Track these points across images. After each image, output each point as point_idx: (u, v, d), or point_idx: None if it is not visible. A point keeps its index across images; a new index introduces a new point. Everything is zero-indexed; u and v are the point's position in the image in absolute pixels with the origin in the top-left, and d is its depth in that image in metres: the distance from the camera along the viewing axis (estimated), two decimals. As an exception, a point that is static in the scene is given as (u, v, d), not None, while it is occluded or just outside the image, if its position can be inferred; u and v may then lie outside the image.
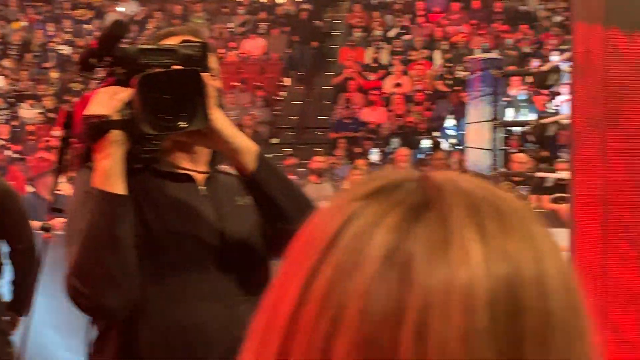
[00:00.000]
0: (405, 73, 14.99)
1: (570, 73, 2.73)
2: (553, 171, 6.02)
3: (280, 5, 17.58)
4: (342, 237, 0.54)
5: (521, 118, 11.49)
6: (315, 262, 0.54)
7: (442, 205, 0.54)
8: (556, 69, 5.95)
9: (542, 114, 10.93)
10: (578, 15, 2.68)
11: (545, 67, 6.20)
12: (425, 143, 13.07)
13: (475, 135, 6.72)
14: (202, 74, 1.72)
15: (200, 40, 1.89)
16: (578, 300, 0.55)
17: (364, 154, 12.34)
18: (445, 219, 0.53)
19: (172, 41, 1.92)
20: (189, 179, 1.89)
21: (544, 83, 6.16)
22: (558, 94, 11.14)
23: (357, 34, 16.41)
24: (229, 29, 17.17)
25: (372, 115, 13.92)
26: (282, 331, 0.53)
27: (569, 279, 0.55)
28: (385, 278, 0.51)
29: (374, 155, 12.57)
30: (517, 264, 0.52)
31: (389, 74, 15.03)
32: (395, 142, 12.87)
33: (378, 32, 16.45)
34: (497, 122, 6.42)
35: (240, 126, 13.22)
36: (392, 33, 16.38)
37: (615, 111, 2.53)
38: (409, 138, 13.17)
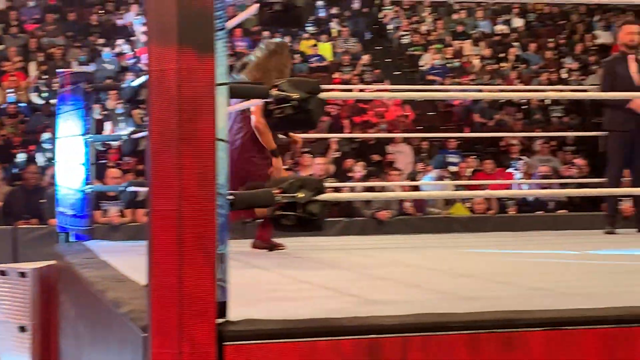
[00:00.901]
0: (-2, 84, 14.40)
1: (147, 90, 2.78)
2: (144, 185, 6.08)
3: None
4: None
5: (119, 132, 11.53)
6: None
7: None
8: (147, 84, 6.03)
9: (139, 128, 11.03)
10: (153, 36, 2.73)
11: (136, 82, 6.25)
12: (21, 157, 12.63)
13: (69, 149, 6.60)
14: None
15: None
16: None
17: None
18: None
19: None
20: None
21: (134, 97, 6.20)
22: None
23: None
24: None
25: (-40, 128, 13.18)
26: None
27: None
28: None
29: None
30: None
31: (-21, 84, 14.35)
32: (-12, 156, 12.30)
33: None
34: (89, 136, 6.36)
35: None
36: (-18, 42, 15.66)
37: (189, 128, 2.61)
38: (3, 152, 12.67)
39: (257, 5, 3.17)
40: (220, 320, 2.54)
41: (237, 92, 3.13)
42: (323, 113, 3.19)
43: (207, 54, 2.65)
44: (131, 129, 11.25)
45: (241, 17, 3.77)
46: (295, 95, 3.06)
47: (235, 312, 2.62)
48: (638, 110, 6.66)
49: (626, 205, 7.49)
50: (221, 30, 2.71)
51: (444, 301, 3.18)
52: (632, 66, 6.78)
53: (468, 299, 3.23)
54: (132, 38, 16.58)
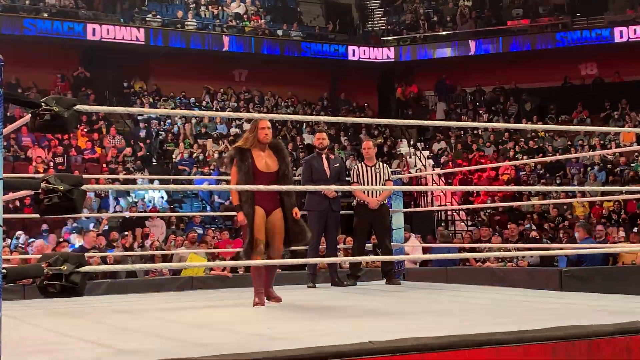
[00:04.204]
0: None
1: None
2: None
3: None
4: None
5: None
6: None
7: None
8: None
9: None
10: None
11: None
12: None
13: None
14: None
15: None
16: None
17: None
18: None
19: None
20: None
21: None
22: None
23: None
24: None
25: None
26: None
27: None
28: None
29: None
30: None
31: None
32: None
33: None
34: None
35: None
36: None
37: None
38: None
39: (30, 115, 3.08)
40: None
41: (12, 185, 3.01)
42: (84, 200, 3.13)
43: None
44: None
45: (18, 123, 3.65)
46: (60, 188, 2.99)
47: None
48: (329, 195, 7.07)
49: (324, 264, 7.83)
50: (-3, 136, 2.62)
51: (181, 348, 3.17)
52: (325, 162, 7.17)
53: (200, 345, 3.25)
54: None
